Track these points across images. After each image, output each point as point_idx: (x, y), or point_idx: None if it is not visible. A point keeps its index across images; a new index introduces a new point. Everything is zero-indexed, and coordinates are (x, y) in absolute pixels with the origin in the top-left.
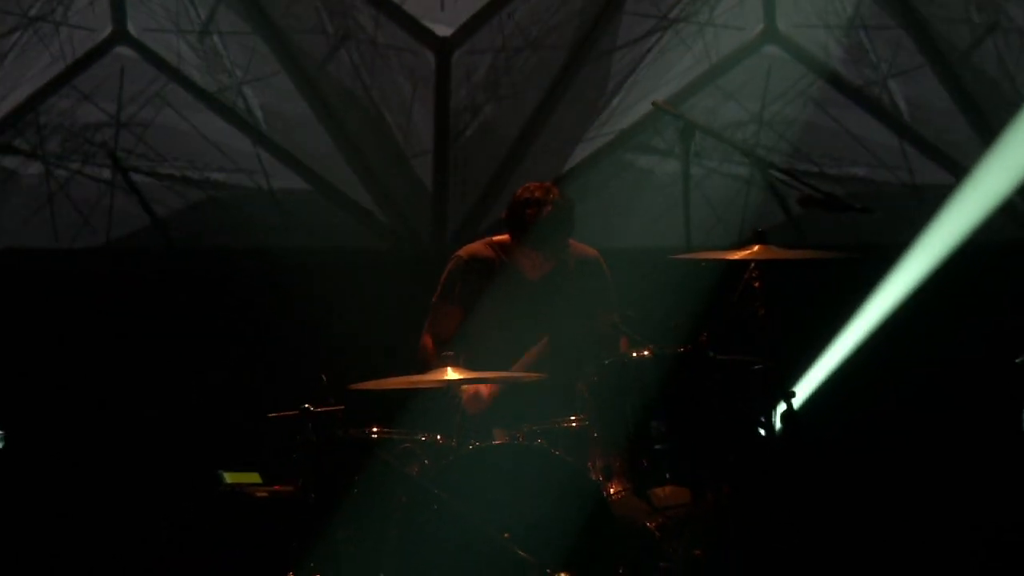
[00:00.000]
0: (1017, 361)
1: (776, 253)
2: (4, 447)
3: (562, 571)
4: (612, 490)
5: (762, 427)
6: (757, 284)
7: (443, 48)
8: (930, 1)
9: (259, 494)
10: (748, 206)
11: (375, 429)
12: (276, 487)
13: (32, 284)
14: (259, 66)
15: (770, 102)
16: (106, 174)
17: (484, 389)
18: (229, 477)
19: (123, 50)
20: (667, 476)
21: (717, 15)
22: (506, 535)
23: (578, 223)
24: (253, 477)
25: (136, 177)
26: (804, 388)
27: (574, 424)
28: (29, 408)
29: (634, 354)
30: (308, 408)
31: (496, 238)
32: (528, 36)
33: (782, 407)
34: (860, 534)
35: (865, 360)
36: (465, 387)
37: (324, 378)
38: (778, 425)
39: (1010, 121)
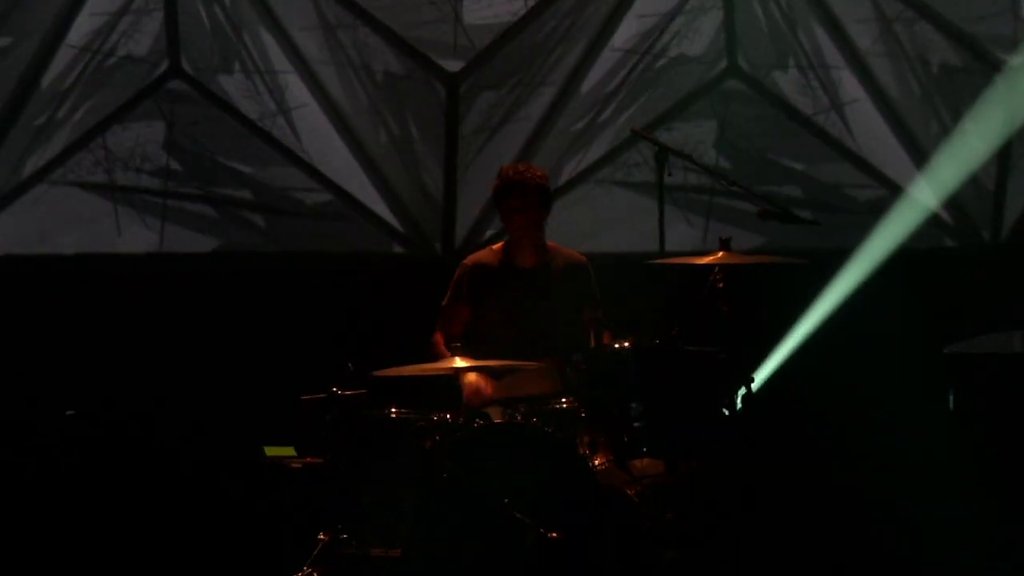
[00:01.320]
0: (945, 351)
1: (737, 258)
2: (77, 424)
3: (553, 532)
4: (597, 462)
5: (725, 408)
6: (721, 285)
7: (452, 82)
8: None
9: (294, 465)
10: (713, 217)
11: (393, 410)
12: (308, 459)
13: (106, 285)
14: (294, 97)
15: (731, 130)
16: (160, 194)
17: (485, 388)
18: (269, 451)
19: (177, 83)
20: (644, 450)
21: (683, 51)
22: (506, 500)
23: (567, 231)
24: (289, 451)
25: (188, 192)
26: (761, 374)
27: (564, 405)
28: (102, 390)
29: (616, 345)
30: (336, 392)
31: (496, 246)
32: (524, 73)
33: (743, 391)
34: (809, 499)
35: (814, 350)
36: (468, 383)
37: (350, 366)
38: (739, 406)
39: (937, 146)
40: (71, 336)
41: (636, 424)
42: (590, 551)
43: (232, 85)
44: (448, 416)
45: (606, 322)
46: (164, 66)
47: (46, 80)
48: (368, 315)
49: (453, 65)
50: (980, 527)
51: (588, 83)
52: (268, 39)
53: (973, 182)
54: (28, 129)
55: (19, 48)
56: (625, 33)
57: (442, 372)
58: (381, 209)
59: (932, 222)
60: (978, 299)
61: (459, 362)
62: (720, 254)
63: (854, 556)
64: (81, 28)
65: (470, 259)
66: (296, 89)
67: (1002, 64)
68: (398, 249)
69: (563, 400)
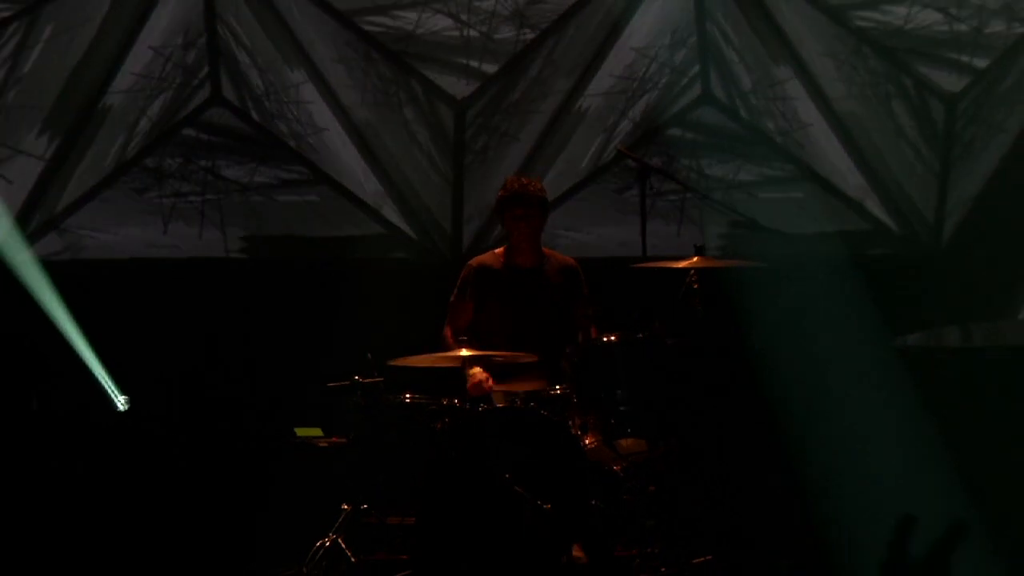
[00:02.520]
0: (893, 344)
1: (710, 262)
2: (129, 409)
3: (548, 503)
4: (587, 441)
5: (700, 392)
6: (696, 286)
7: (460, 106)
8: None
9: (321, 444)
10: (688, 226)
11: (408, 395)
12: (334, 439)
13: (153, 285)
14: (319, 120)
15: (705, 149)
16: (199, 206)
17: (486, 383)
18: (299, 431)
19: (218, 110)
20: (629, 431)
21: (663, 78)
22: (506, 475)
23: (561, 237)
24: (317, 431)
25: (228, 204)
26: (729, 363)
27: (558, 392)
28: (154, 380)
29: (604, 338)
30: (357, 379)
31: (497, 250)
32: (524, 98)
33: (716, 376)
34: (775, 474)
35: (779, 344)
36: (471, 377)
37: (369, 357)
38: (713, 391)
39: (884, 164)
40: (132, 329)
41: (622, 408)
42: (580, 520)
43: (265, 110)
44: (456, 401)
45: (594, 317)
46: (207, 92)
47: (107, 101)
48: (385, 311)
49: (462, 90)
50: (914, 489)
51: (582, 104)
52: (296, 67)
53: (916, 194)
54: (88, 149)
55: (87, 70)
56: (615, 60)
57: (450, 363)
58: (397, 218)
59: (880, 230)
60: (921, 299)
61: (465, 353)
62: (695, 259)
63: (815, 522)
64: (137, 56)
65: (475, 261)
66: (319, 113)
67: (946, 94)
68: (411, 254)
69: (556, 387)
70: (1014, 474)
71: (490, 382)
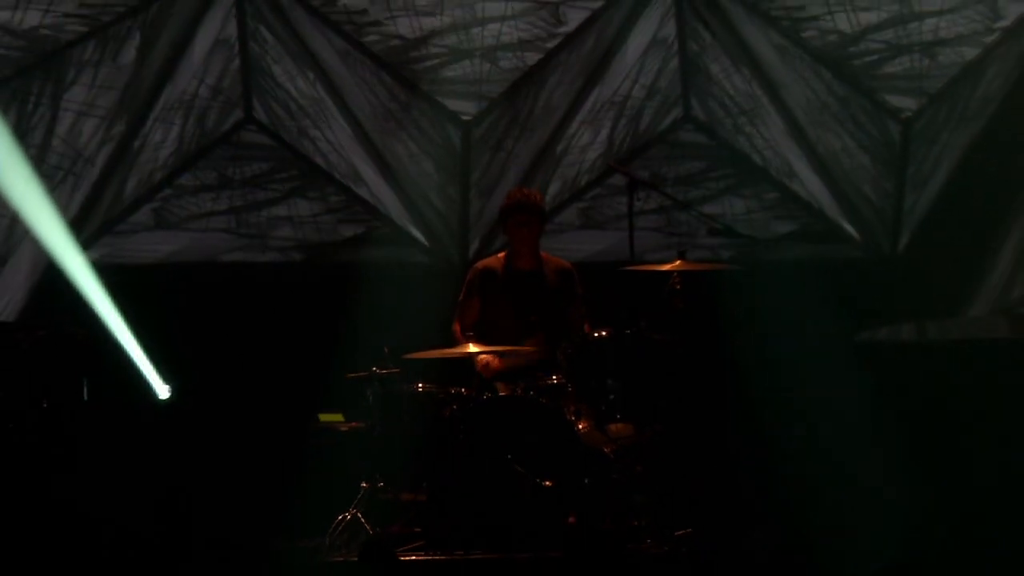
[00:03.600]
0: (855, 339)
1: (691, 265)
2: (172, 399)
3: (547, 480)
4: (580, 426)
5: (680, 383)
6: (678, 287)
7: (466, 127)
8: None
9: (342, 428)
10: (671, 233)
11: (420, 385)
12: (353, 424)
13: (197, 287)
14: (342, 140)
15: (687, 164)
16: (228, 220)
17: (493, 361)
18: (323, 417)
19: (250, 133)
20: (618, 416)
21: (648, 103)
22: (508, 456)
23: (555, 240)
24: (338, 417)
25: (258, 217)
26: (708, 356)
27: (555, 381)
28: (193, 371)
29: (595, 334)
30: (375, 371)
31: (500, 254)
32: (524, 119)
33: (694, 369)
34: (749, 452)
35: (753, 339)
36: (480, 358)
37: (386, 350)
38: (691, 382)
39: (844, 173)
40: (174, 326)
41: (611, 396)
42: (575, 496)
43: (292, 129)
44: (463, 390)
45: (587, 315)
46: (240, 114)
47: (154, 116)
48: (400, 310)
49: (468, 111)
50: (868, 463)
51: (577, 122)
52: (324, 95)
53: (876, 206)
54: (133, 164)
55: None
56: (608, 83)
57: (458, 355)
58: (411, 228)
59: (842, 237)
60: (880, 299)
61: (471, 347)
62: (677, 262)
63: (784, 497)
64: (176, 84)
65: (479, 264)
66: (342, 134)
67: (903, 115)
68: (424, 259)
69: (553, 377)
70: (956, 453)
71: (496, 362)
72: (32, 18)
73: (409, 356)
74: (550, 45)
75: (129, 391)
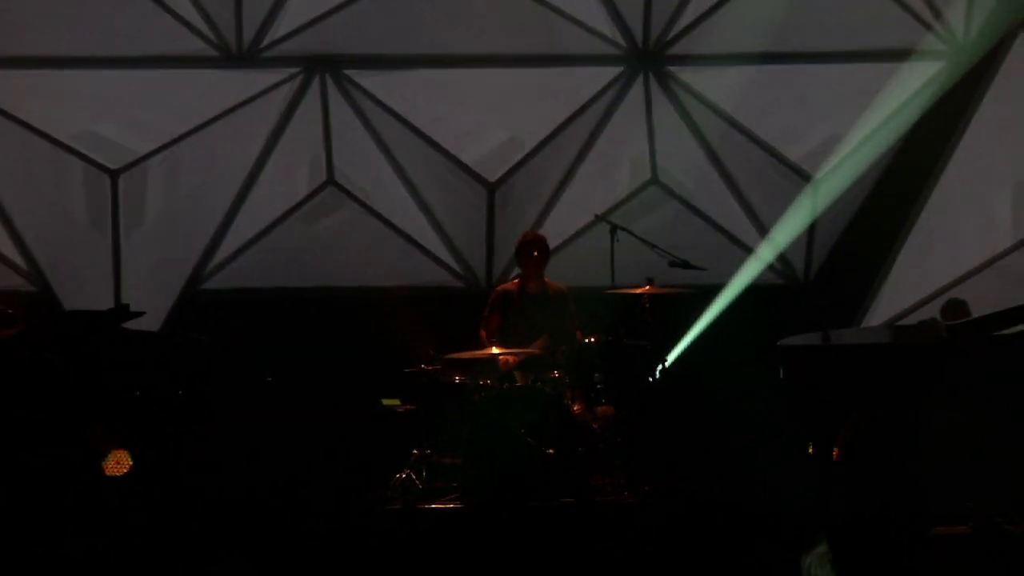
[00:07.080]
0: (778, 344)
1: (658, 290)
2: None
3: (550, 449)
4: (575, 408)
5: (650, 377)
6: (647, 305)
7: (491, 187)
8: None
9: (399, 410)
10: (642, 265)
11: (456, 377)
12: (407, 406)
13: (291, 308)
14: (395, 193)
15: (655, 216)
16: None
17: (510, 360)
18: (384, 401)
19: (332, 191)
20: (603, 401)
21: (623, 164)
22: (522, 431)
23: (555, 270)
24: (396, 401)
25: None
26: (672, 358)
27: (557, 375)
28: (285, 367)
29: (586, 340)
30: (423, 367)
31: (514, 280)
32: (537, 178)
33: (660, 367)
34: (693, 429)
35: (699, 346)
36: (501, 358)
37: (431, 352)
38: (658, 376)
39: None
40: (272, 337)
41: (599, 386)
42: (571, 461)
43: (358, 185)
44: (488, 382)
45: (579, 325)
46: (324, 177)
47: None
48: (441, 323)
49: (493, 172)
50: (784, 451)
51: (574, 182)
52: (373, 152)
53: (793, 244)
54: (236, 215)
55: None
56: (595, 154)
57: (484, 356)
58: (448, 259)
59: (768, 269)
60: (797, 315)
61: (494, 350)
62: (647, 287)
63: (728, 462)
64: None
65: (499, 287)
66: (393, 186)
67: (810, 176)
68: (460, 284)
69: (555, 372)
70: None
71: (512, 360)
72: None
73: (448, 356)
74: (559, 121)
75: (243, 385)
